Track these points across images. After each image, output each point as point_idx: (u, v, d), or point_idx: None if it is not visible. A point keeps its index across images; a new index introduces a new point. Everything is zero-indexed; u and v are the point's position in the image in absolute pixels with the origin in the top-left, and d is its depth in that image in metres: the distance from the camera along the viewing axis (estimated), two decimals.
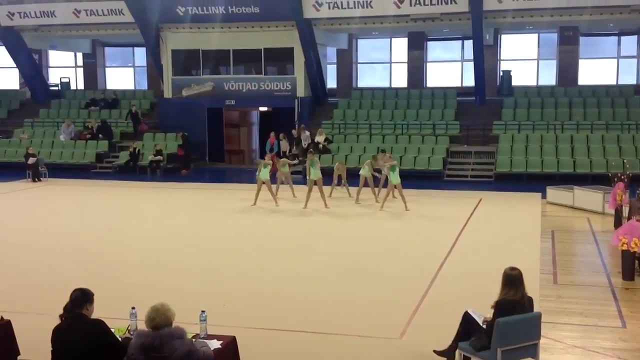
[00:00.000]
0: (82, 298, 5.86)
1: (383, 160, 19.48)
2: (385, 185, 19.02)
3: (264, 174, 18.34)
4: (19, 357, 7.29)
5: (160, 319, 5.45)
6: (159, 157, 26.62)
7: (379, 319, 9.16)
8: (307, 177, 19.04)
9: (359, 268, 11.85)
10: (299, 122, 27.91)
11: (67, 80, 35.14)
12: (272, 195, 18.66)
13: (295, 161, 24.51)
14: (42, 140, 29.48)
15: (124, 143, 28.88)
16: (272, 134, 26.78)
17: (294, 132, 26.98)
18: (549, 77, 30.50)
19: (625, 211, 14.71)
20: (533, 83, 30.43)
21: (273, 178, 19.48)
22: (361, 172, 19.27)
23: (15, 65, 32.55)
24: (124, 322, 6.60)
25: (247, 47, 28.84)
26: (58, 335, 5.82)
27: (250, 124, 31.57)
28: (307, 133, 26.65)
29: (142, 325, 5.71)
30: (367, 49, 32.86)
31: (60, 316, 5.88)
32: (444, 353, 7.48)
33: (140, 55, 34.65)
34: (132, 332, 6.28)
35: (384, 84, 32.22)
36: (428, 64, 31.76)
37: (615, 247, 11.52)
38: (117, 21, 29.34)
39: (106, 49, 35.52)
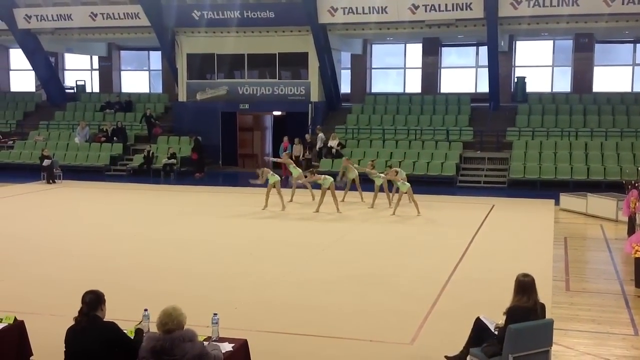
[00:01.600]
0: (96, 300, 5.91)
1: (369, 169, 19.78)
2: (398, 191, 19.00)
3: (273, 178, 18.44)
4: (31, 358, 7.35)
5: (172, 324, 5.46)
6: (172, 161, 26.74)
7: (391, 324, 9.16)
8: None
9: (371, 273, 11.85)
10: (312, 125, 27.96)
11: (82, 83, 35.38)
12: (281, 198, 18.62)
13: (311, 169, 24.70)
14: (57, 143, 29.66)
15: (138, 146, 29.04)
16: (286, 138, 26.85)
17: (308, 137, 27.01)
18: (563, 83, 30.40)
19: (639, 219, 14.64)
20: (548, 89, 30.34)
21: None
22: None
23: (31, 68, 32.79)
24: (135, 325, 6.61)
25: (261, 52, 28.93)
26: (72, 336, 5.86)
27: (263, 128, 31.66)
28: (322, 135, 26.70)
29: (154, 327, 5.74)
30: (381, 54, 32.86)
31: (75, 318, 5.92)
32: (456, 359, 7.47)
33: (156, 59, 34.82)
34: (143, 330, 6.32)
35: (398, 89, 32.21)
36: (442, 69, 31.73)
37: (628, 254, 11.48)
38: (133, 25, 29.49)
39: (122, 52, 35.73)
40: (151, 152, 27.27)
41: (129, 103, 32.12)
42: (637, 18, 24.75)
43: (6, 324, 7.09)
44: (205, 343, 5.99)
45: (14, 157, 29.19)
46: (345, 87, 31.63)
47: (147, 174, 26.70)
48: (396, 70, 32.76)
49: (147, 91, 35.09)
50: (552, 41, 30.36)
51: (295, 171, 20.05)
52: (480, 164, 25.49)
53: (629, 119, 26.23)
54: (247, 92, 29.32)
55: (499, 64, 27.23)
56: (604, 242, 14.82)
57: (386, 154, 25.75)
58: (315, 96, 28.60)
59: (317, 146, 26.57)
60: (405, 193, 17.97)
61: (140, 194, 22.45)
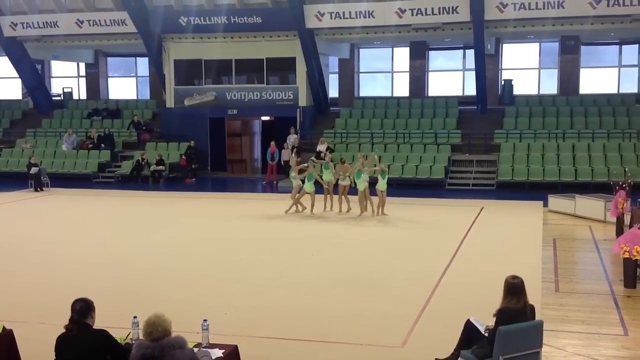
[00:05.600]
0: (86, 307, 5.87)
1: (342, 170, 19.02)
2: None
3: (309, 186, 18.38)
4: None
5: (157, 332, 5.40)
6: (161, 167, 26.65)
7: (381, 327, 9.15)
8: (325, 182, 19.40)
9: (361, 277, 11.84)
10: (301, 130, 27.99)
11: (69, 90, 35.20)
12: (312, 204, 18.56)
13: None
14: (45, 150, 29.54)
15: (126, 153, 28.95)
16: (273, 143, 26.81)
17: (295, 140, 26.96)
18: (550, 86, 30.53)
19: (627, 219, 14.74)
20: (534, 92, 30.47)
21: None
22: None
23: (18, 75, 32.64)
24: (125, 332, 6.58)
25: (249, 57, 28.93)
26: (63, 345, 5.82)
27: (252, 134, 31.63)
28: (293, 137, 27.00)
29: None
30: (369, 58, 32.92)
31: (65, 326, 5.89)
32: None
33: (143, 65, 34.74)
34: (133, 340, 6.29)
35: (386, 93, 32.26)
36: (430, 73, 31.79)
37: (616, 255, 11.53)
38: (119, 31, 29.45)
39: (109, 59, 35.61)
40: (145, 159, 27.10)
41: (117, 110, 32.01)
42: (622, 20, 24.91)
43: None
44: (196, 350, 5.97)
45: (1, 165, 29.06)
46: (333, 92, 31.65)
47: (135, 180, 26.61)
48: (384, 74, 32.81)
49: (135, 97, 34.99)
50: (538, 44, 30.51)
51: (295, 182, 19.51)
52: (468, 166, 25.59)
53: (615, 120, 26.37)
54: (235, 97, 29.31)
55: (486, 67, 27.37)
56: (592, 243, 14.87)
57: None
58: (303, 101, 28.61)
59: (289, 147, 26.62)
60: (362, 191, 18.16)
61: (129, 200, 22.36)
